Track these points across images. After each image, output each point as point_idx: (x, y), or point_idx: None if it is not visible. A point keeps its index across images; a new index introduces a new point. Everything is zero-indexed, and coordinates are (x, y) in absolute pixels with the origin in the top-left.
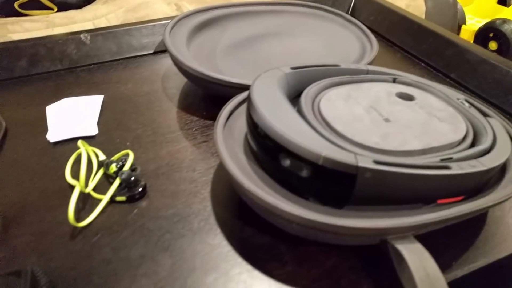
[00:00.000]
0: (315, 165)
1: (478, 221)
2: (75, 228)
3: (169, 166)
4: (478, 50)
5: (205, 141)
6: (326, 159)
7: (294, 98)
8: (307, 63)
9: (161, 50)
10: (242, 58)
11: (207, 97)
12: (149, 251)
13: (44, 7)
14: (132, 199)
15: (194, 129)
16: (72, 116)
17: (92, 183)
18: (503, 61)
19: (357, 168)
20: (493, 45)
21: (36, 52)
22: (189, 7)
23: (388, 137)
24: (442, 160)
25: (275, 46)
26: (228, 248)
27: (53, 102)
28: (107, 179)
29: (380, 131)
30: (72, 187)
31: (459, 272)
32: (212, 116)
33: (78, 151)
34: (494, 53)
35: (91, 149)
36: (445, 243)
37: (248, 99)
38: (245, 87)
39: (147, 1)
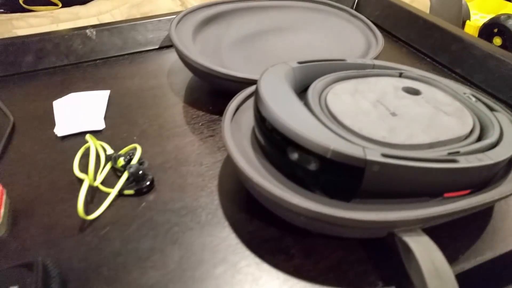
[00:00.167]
0: (323, 158)
1: (484, 214)
2: (84, 221)
3: (176, 160)
4: (484, 45)
5: (211, 136)
6: (335, 152)
7: (301, 92)
8: (313, 57)
9: (167, 45)
10: (247, 53)
11: (213, 92)
12: (158, 243)
13: (49, 3)
14: (140, 193)
15: (200, 124)
16: (79, 111)
17: (100, 177)
18: (509, 56)
19: (365, 161)
20: (497, 40)
21: (42, 47)
22: (193, 2)
23: (395, 131)
24: (449, 153)
25: (280, 41)
26: (236, 241)
27: (60, 96)
28: (115, 173)
29: (387, 125)
30: (80, 181)
31: (466, 265)
32: (218, 110)
33: (86, 145)
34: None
35: (98, 143)
36: (452, 236)
37: (255, 93)
38: (251, 82)
39: None
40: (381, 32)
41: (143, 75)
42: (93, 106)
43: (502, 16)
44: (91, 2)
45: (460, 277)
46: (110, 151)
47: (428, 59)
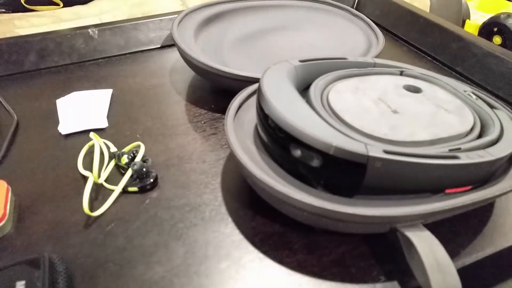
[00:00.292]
0: (326, 154)
1: (485, 210)
2: (89, 217)
3: (179, 157)
4: (484, 43)
5: (214, 134)
6: (337, 149)
7: (303, 90)
8: (314, 56)
9: (168, 44)
10: (249, 52)
11: (214, 91)
12: (162, 239)
13: (50, 3)
14: (144, 190)
15: (203, 122)
16: (82, 109)
17: (104, 174)
18: (509, 54)
19: (367, 157)
20: (497, 39)
21: (45, 46)
22: (194, 2)
23: (396, 128)
24: (450, 150)
25: (281, 40)
26: (239, 236)
27: (63, 95)
28: (118, 170)
29: (389, 122)
30: (84, 178)
31: (467, 260)
32: (221, 109)
33: (89, 143)
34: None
35: (102, 141)
36: (453, 231)
37: (258, 91)
38: (253, 80)
39: None
40: (382, 31)
41: (145, 74)
42: (96, 105)
43: (502, 15)
44: (92, 2)
45: (461, 272)
46: (113, 148)
47: (428, 58)
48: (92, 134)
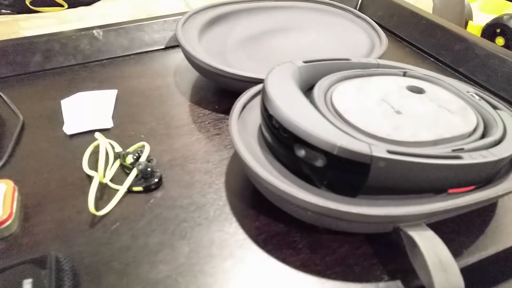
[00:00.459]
0: (330, 154)
1: (488, 210)
2: (94, 216)
3: (183, 157)
4: (487, 44)
5: (218, 134)
6: (341, 148)
7: (307, 91)
8: (318, 57)
9: (172, 45)
10: (252, 53)
11: (218, 91)
12: (167, 238)
13: (55, 4)
14: (149, 189)
15: (207, 122)
16: (87, 110)
17: (109, 174)
18: (511, 55)
19: (371, 157)
20: (500, 40)
21: (50, 47)
22: (197, 3)
23: (400, 129)
24: (453, 150)
25: (285, 41)
26: (243, 236)
27: (68, 96)
28: (123, 170)
29: (392, 122)
30: (89, 178)
31: (470, 259)
32: (224, 109)
33: (94, 143)
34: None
35: (107, 141)
36: (456, 231)
37: (262, 91)
38: (257, 81)
39: None
40: (385, 32)
41: (149, 75)
42: (101, 105)
43: (504, 16)
44: (96, 3)
45: (464, 271)
46: (118, 149)
47: (431, 59)
48: (97, 134)
